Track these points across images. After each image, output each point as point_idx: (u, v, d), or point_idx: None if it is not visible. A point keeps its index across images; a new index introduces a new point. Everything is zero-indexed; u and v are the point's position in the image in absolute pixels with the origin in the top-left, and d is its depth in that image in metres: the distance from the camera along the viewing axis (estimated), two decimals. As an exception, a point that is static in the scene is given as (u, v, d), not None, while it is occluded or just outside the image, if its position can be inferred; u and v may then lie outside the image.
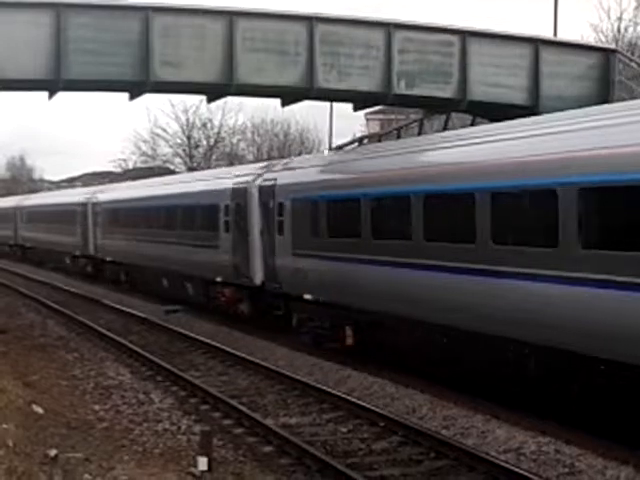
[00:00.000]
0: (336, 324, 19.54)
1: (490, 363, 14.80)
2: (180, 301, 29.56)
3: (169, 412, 14.92)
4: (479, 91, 21.12)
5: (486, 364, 14.91)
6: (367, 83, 20.39)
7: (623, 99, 20.10)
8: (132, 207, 35.37)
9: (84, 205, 41.93)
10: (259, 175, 23.75)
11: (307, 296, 20.32)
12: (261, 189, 23.06)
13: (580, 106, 15.98)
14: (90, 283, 39.48)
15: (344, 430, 13.75)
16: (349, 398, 15.21)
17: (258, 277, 23.09)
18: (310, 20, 19.86)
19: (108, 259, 38.53)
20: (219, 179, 27.51)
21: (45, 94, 20.52)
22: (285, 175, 22.29)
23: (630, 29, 41.96)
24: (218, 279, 25.92)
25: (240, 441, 13.18)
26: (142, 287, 34.83)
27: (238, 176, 25.36)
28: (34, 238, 53.74)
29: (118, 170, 74.57)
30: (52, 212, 48.81)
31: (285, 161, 25.01)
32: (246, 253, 23.55)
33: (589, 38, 40.13)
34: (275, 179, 22.49)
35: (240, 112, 66.08)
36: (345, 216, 18.97)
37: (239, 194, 24.36)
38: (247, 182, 24.12)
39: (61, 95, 20.59)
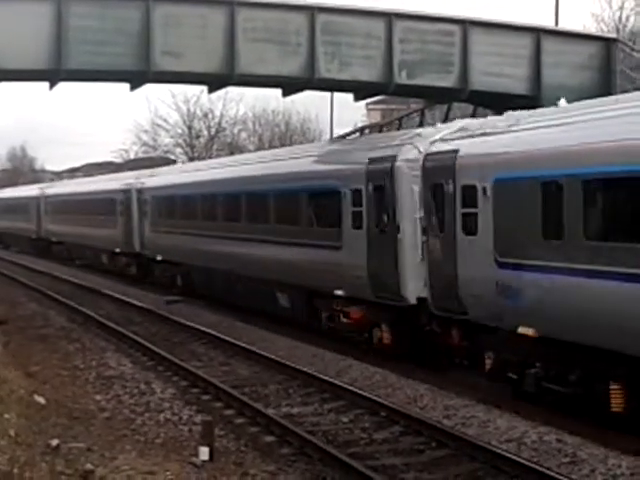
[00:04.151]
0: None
1: None
2: None
3: (170, 402, 14.92)
4: (480, 81, 21.10)
5: None
6: (368, 73, 20.38)
7: (625, 89, 20.08)
8: None
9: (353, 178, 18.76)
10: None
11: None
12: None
13: (582, 96, 15.96)
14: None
15: (345, 420, 13.75)
16: (350, 388, 15.22)
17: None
18: (311, 10, 19.84)
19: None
20: None
21: (46, 84, 20.51)
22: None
23: (632, 18, 42.00)
24: None
25: (242, 431, 13.19)
26: None
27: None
28: (172, 247, 30.44)
29: (119, 160, 74.62)
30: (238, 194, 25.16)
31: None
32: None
33: (591, 28, 40.17)
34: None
35: (241, 102, 66.01)
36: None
37: None
38: None
39: (62, 85, 20.60)
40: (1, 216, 65.76)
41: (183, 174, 32.06)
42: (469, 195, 14.83)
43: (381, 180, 17.44)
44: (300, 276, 20.69)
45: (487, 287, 14.28)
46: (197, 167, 33.26)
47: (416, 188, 16.41)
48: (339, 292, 19.03)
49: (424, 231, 16.26)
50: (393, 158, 17.14)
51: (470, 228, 14.87)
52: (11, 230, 62.12)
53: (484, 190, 14.34)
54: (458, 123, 16.92)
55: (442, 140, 16.20)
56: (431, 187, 15.97)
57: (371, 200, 17.82)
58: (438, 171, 15.75)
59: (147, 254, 33.57)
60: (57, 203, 49.67)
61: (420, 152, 16.54)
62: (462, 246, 15.08)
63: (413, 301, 16.67)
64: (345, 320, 19.13)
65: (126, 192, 35.84)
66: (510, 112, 15.71)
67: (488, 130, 15.11)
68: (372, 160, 17.97)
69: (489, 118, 17.00)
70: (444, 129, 16.88)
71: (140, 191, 34.37)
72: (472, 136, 15.43)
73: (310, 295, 20.67)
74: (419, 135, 17.35)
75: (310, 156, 22.26)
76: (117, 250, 37.22)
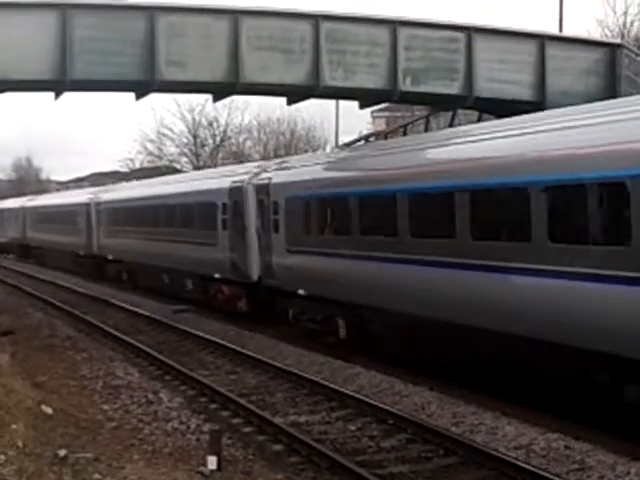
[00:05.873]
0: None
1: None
2: None
3: (178, 411, 14.91)
4: (485, 87, 21.11)
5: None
6: (373, 80, 20.39)
7: (630, 94, 20.08)
8: None
9: None
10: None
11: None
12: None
13: (586, 102, 15.95)
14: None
15: (353, 428, 13.73)
16: (358, 396, 15.19)
17: None
18: (315, 18, 19.87)
19: None
20: None
21: (51, 95, 20.56)
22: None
23: (636, 24, 41.96)
24: None
25: (249, 440, 13.17)
26: None
27: None
28: (335, 278, 19.67)
29: (125, 170, 74.77)
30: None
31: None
32: None
33: (595, 33, 40.17)
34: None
35: (246, 111, 66.10)
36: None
37: None
38: None
39: (67, 95, 20.65)
40: (35, 227, 56.66)
41: (356, 160, 20.44)
42: None
43: None
44: None
45: None
46: (392, 145, 19.54)
47: None
48: None
49: None
50: None
51: None
52: (50, 244, 51.90)
53: None
54: None
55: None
56: None
57: None
58: None
59: (275, 285, 22.78)
60: (117, 211, 38.84)
61: None
62: None
63: None
64: None
65: (234, 193, 25.20)
66: None
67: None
68: None
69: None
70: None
71: (263, 190, 23.45)
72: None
73: None
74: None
75: None
76: (216, 276, 26.92)
